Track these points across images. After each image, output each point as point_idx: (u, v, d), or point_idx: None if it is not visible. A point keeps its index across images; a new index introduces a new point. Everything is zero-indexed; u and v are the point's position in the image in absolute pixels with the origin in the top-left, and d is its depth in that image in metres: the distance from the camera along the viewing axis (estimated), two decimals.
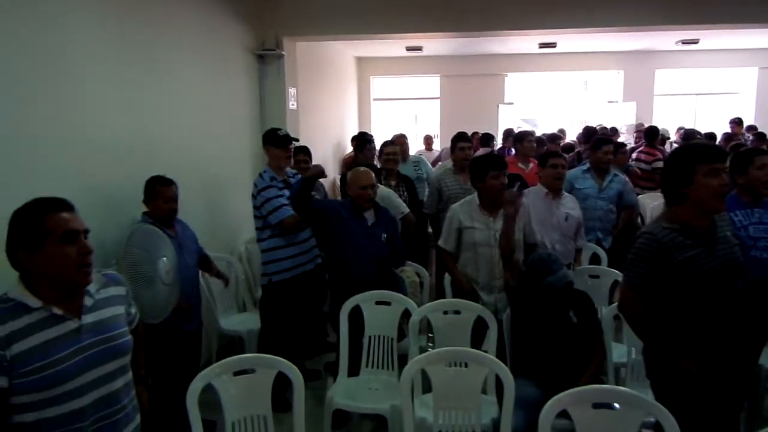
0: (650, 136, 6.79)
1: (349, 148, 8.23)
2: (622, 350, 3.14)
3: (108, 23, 3.27)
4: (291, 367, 2.33)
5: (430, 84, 12.02)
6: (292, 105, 5.92)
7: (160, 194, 3.08)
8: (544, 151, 5.10)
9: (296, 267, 3.73)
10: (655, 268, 2.15)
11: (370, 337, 3.27)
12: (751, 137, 8.16)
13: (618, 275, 3.70)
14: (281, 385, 2.38)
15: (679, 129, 9.81)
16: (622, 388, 2.33)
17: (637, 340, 2.95)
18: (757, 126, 9.63)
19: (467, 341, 2.99)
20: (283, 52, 5.72)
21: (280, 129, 3.93)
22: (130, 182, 3.21)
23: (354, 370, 3.25)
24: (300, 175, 3.92)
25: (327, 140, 8.43)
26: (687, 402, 2.19)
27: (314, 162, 4.41)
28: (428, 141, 10.25)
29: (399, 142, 5.50)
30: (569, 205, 3.84)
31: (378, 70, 11.71)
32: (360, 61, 11.49)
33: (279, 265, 3.69)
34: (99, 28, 3.19)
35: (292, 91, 5.91)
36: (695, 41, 9.75)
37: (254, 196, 3.67)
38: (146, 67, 3.64)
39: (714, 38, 9.60)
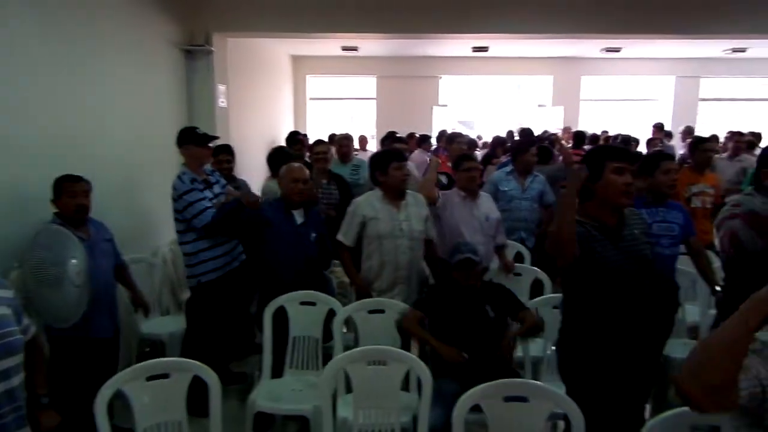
0: (578, 139, 7.07)
1: None
2: (539, 344, 3.25)
3: (23, 15, 3.10)
4: (206, 370, 2.28)
5: (367, 84, 12.06)
6: (222, 102, 5.79)
7: (66, 191, 2.92)
8: (463, 153, 5.17)
9: (224, 266, 3.67)
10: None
11: (294, 337, 3.24)
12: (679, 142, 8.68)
13: (539, 273, 3.84)
14: (203, 389, 2.32)
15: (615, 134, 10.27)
16: (531, 381, 2.42)
17: (553, 335, 3.10)
18: (672, 131, 10.23)
19: (391, 340, 3.01)
20: (213, 48, 5.59)
21: (197, 128, 3.82)
22: (43, 182, 3.04)
23: (279, 372, 3.21)
24: (219, 175, 3.84)
25: (260, 139, 8.30)
26: (596, 393, 2.29)
27: (241, 161, 4.33)
28: (363, 141, 10.27)
29: (343, 143, 5.48)
30: (487, 205, 3.93)
31: (314, 69, 11.65)
32: (296, 59, 11.39)
33: (206, 265, 3.61)
34: (14, 19, 3.01)
35: (221, 88, 5.78)
36: (618, 49, 10.26)
37: (175, 200, 3.56)
38: (63, 61, 3.47)
39: (635, 47, 10.14)
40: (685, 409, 2.01)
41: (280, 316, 3.19)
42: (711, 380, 1.04)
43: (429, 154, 7.74)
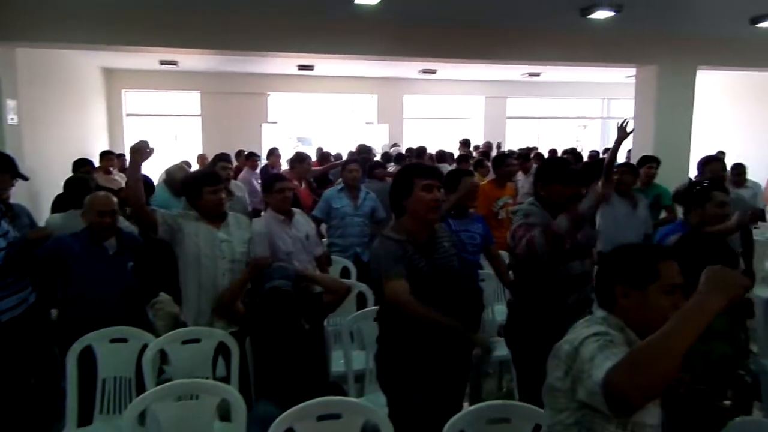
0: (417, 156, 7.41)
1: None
2: (361, 357, 3.32)
3: None
4: None
5: (191, 100, 11.55)
6: (12, 120, 5.14)
7: None
8: (275, 174, 5.14)
9: (22, 303, 3.23)
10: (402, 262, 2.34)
11: (104, 379, 2.95)
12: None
13: (362, 287, 3.94)
14: None
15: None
16: (341, 398, 2.46)
17: (373, 346, 3.21)
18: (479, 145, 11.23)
19: (209, 369, 2.88)
20: None
21: None
22: None
23: (88, 419, 2.90)
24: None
25: (65, 158, 7.49)
26: (413, 396, 2.40)
27: (40, 182, 3.86)
28: (202, 160, 9.54)
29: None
30: (302, 222, 3.94)
31: (130, 83, 10.87)
32: (109, 72, 10.53)
33: (7, 302, 3.14)
34: None
35: (11, 103, 5.14)
36: (433, 71, 11.05)
37: None
38: None
39: (449, 70, 11.00)
40: (484, 404, 2.22)
41: (88, 356, 2.89)
42: (650, 378, 1.20)
43: (256, 173, 7.65)
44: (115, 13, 5.35)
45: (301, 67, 10.00)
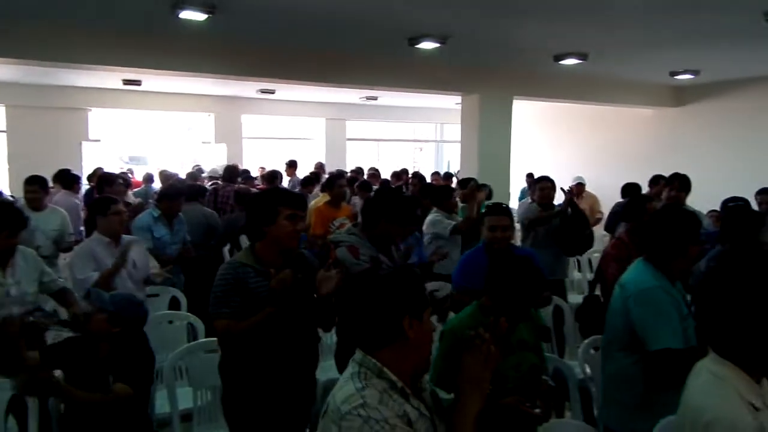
0: (229, 174, 7.13)
1: None
2: (189, 395, 3.08)
3: None
4: None
5: None
6: None
7: None
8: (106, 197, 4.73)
9: None
10: (237, 294, 2.29)
11: None
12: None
13: (192, 318, 3.69)
14: None
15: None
16: None
17: (203, 383, 3.01)
18: (326, 165, 11.33)
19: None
20: None
21: None
22: None
23: None
24: None
25: None
26: (259, 426, 2.37)
27: None
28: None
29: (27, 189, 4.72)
30: (133, 249, 3.65)
31: None
32: None
33: None
34: None
35: None
36: (272, 91, 10.93)
37: None
38: None
39: (289, 91, 10.94)
40: None
41: None
42: None
43: (79, 197, 6.86)
44: None
45: (127, 82, 9.29)
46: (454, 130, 14.11)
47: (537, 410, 1.91)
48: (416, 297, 1.49)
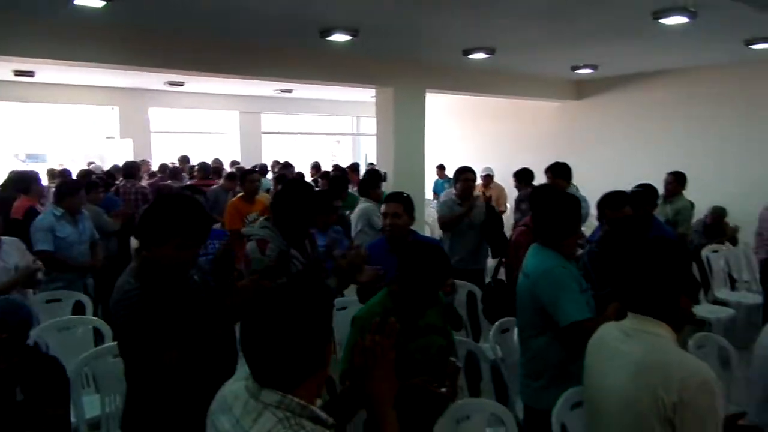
0: (128, 171, 6.80)
1: None
2: (96, 402, 2.93)
3: None
4: None
5: None
6: None
7: None
8: None
9: None
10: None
11: None
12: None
13: (98, 321, 3.51)
14: None
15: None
16: None
17: (111, 389, 2.86)
18: (240, 161, 11.09)
19: None
20: None
21: None
22: None
23: None
24: None
25: None
26: None
27: None
28: None
29: None
30: (10, 252, 3.41)
31: None
32: None
33: None
34: None
35: None
36: (181, 84, 10.50)
37: None
38: None
39: (200, 83, 10.56)
40: None
41: None
42: None
43: None
44: None
45: (18, 73, 8.61)
46: (371, 123, 14.20)
47: (443, 389, 1.99)
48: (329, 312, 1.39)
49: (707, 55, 7.25)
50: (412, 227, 3.41)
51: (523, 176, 6.25)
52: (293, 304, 1.24)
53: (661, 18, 5.05)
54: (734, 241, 6.22)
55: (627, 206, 3.33)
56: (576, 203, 2.64)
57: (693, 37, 5.99)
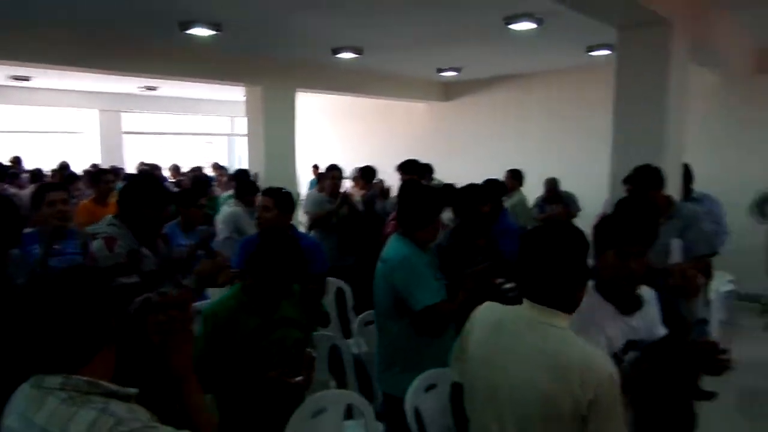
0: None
1: None
2: None
3: None
4: None
5: None
6: None
7: None
8: None
9: None
10: None
11: None
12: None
13: None
14: None
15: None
16: None
17: None
18: (100, 164, 10.29)
19: None
20: None
21: None
22: None
23: None
24: None
25: None
26: None
27: None
28: None
29: None
30: None
31: None
32: None
33: None
34: None
35: None
36: (27, 78, 9.54)
37: None
38: None
39: (50, 78, 9.62)
40: None
41: None
42: None
43: None
44: None
45: None
46: (245, 123, 13.79)
47: (298, 378, 2.01)
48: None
49: (554, 59, 7.85)
50: None
51: (365, 173, 6.42)
52: (57, 290, 1.21)
53: (511, 24, 5.42)
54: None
55: (481, 201, 3.53)
56: (433, 195, 2.76)
57: (541, 42, 6.46)
